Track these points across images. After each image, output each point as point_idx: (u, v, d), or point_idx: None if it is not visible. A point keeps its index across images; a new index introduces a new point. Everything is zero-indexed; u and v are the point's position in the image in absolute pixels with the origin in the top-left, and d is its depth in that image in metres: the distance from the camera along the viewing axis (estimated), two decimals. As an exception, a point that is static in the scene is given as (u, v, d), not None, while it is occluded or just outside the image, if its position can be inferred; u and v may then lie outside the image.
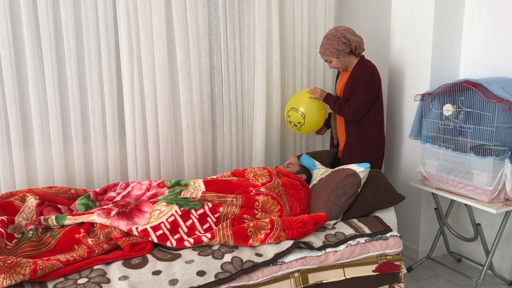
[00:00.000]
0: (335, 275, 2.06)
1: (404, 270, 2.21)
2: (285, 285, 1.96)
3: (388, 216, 2.45)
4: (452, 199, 2.89)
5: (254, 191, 2.44)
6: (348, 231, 2.23)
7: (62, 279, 1.76)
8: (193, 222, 2.16)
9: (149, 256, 1.95)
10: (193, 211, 2.19)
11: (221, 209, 2.24)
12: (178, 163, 3.01)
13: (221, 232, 2.07)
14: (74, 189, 2.49)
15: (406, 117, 3.12)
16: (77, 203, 2.34)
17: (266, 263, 1.94)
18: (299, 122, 2.90)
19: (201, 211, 2.21)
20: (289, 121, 2.97)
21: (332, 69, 3.28)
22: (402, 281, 2.23)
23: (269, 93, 3.18)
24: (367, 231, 2.23)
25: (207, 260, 1.91)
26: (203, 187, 2.46)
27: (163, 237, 2.06)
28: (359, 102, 2.71)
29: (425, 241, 3.19)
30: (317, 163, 2.82)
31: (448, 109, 2.63)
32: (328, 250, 2.08)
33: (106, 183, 2.78)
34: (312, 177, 2.74)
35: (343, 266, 2.08)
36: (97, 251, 1.95)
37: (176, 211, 2.17)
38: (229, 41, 2.99)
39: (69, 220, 2.13)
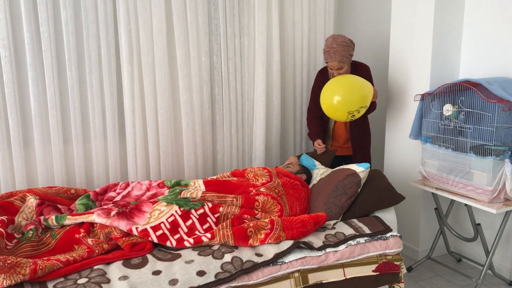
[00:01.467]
0: (335, 275, 2.07)
1: (404, 270, 2.21)
2: (285, 285, 1.96)
3: (388, 216, 2.45)
4: (452, 199, 2.89)
5: (254, 191, 2.44)
6: (348, 231, 2.23)
7: (62, 279, 1.76)
8: (193, 222, 2.16)
9: (149, 256, 1.95)
10: (193, 211, 2.20)
11: (221, 209, 2.24)
12: (178, 163, 3.01)
13: (221, 232, 2.07)
14: (74, 189, 2.49)
15: (406, 117, 3.12)
16: (77, 203, 2.34)
17: (266, 263, 1.94)
18: (353, 116, 2.75)
19: (201, 211, 2.21)
20: (353, 115, 2.70)
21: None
22: (402, 281, 2.23)
23: (269, 93, 3.18)
24: (367, 231, 2.23)
25: (207, 260, 1.91)
26: (203, 187, 2.46)
27: (163, 237, 2.06)
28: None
29: (425, 241, 3.19)
30: (317, 163, 2.82)
31: (448, 109, 2.62)
32: (328, 250, 2.08)
33: (106, 183, 2.78)
34: (312, 177, 2.74)
35: (343, 266, 2.08)
36: (97, 251, 1.95)
37: (176, 211, 2.17)
38: (229, 41, 2.99)
39: (69, 220, 2.13)
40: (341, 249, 2.09)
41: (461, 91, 2.60)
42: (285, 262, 1.98)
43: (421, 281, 2.90)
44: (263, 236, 2.07)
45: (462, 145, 2.57)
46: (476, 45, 2.88)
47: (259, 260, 1.95)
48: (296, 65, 3.25)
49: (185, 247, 2.04)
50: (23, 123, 2.57)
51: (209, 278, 1.82)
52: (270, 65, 3.13)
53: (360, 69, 2.94)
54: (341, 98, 2.65)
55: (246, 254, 1.97)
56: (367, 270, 2.13)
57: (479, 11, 2.84)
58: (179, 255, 1.95)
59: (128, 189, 2.50)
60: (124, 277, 1.77)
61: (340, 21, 3.46)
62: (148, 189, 2.49)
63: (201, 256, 1.94)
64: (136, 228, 2.07)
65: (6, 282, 1.64)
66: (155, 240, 2.05)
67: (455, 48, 2.96)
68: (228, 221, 2.15)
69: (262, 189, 2.44)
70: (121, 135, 2.85)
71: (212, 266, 1.87)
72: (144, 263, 1.89)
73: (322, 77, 3.03)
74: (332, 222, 2.31)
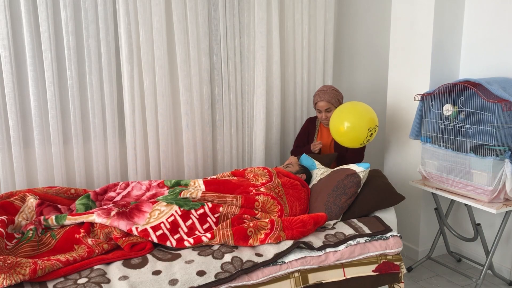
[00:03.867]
0: (335, 275, 2.06)
1: (404, 270, 2.21)
2: (285, 285, 1.96)
3: (388, 216, 2.45)
4: (452, 199, 2.89)
5: (254, 191, 2.44)
6: (348, 231, 2.23)
7: (62, 279, 1.76)
8: (193, 222, 2.16)
9: (149, 256, 1.95)
10: (193, 211, 2.20)
11: (221, 209, 2.24)
12: (178, 163, 3.00)
13: (221, 232, 2.07)
14: (74, 189, 2.48)
15: (406, 117, 3.12)
16: (77, 203, 2.34)
17: (266, 263, 1.94)
18: (371, 136, 2.79)
19: (201, 211, 2.21)
20: (371, 134, 2.75)
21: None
22: (402, 281, 2.23)
23: (269, 93, 3.18)
24: (367, 231, 2.23)
25: (207, 260, 1.91)
26: (203, 187, 2.46)
27: (163, 237, 2.06)
28: None
29: (425, 241, 3.19)
30: (317, 163, 2.82)
31: (448, 109, 2.62)
32: (328, 250, 2.08)
33: (106, 183, 2.78)
34: (312, 177, 2.74)
35: (343, 266, 2.08)
36: (97, 251, 1.95)
37: (176, 211, 2.17)
38: (229, 41, 2.99)
39: (69, 220, 2.13)
40: (341, 249, 2.09)
41: (461, 91, 2.61)
42: (285, 262, 1.98)
43: (421, 281, 2.90)
44: (263, 236, 2.07)
45: (462, 145, 2.57)
46: (476, 45, 2.88)
47: (259, 260, 1.95)
48: (296, 65, 3.25)
49: (185, 247, 2.04)
50: (23, 123, 2.57)
51: (209, 278, 1.82)
52: (270, 65, 3.13)
53: None
54: (362, 117, 2.72)
55: (246, 254, 1.97)
56: (367, 270, 2.13)
57: (479, 11, 2.84)
58: (179, 255, 1.95)
59: (128, 189, 2.50)
60: (124, 277, 1.77)
61: (340, 21, 3.46)
62: (148, 189, 2.49)
63: (201, 256, 1.94)
64: (136, 228, 2.07)
65: (6, 282, 1.64)
66: (155, 240, 2.05)
67: (455, 48, 2.96)
68: (228, 221, 2.15)
69: (262, 189, 2.44)
70: (121, 135, 2.85)
71: (212, 266, 1.87)
72: (144, 263, 1.89)
73: (309, 125, 3.12)
74: (332, 222, 2.31)
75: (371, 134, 2.74)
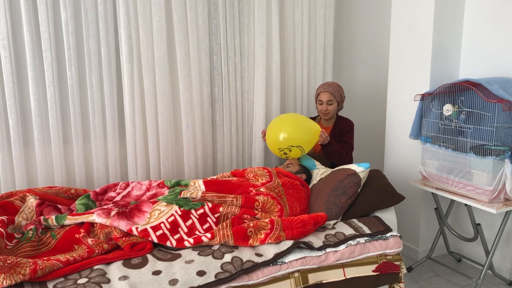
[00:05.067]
0: (335, 275, 2.07)
1: (404, 270, 2.21)
2: (285, 285, 1.96)
3: (388, 216, 2.45)
4: (452, 199, 2.89)
5: (254, 191, 2.44)
6: (348, 231, 2.23)
7: (62, 279, 1.76)
8: (193, 222, 2.16)
9: (149, 256, 1.95)
10: (193, 211, 2.20)
11: (221, 209, 2.24)
12: (178, 163, 3.01)
13: (221, 232, 2.07)
14: (74, 189, 2.48)
15: (406, 117, 3.12)
16: (77, 203, 2.34)
17: (266, 263, 1.94)
18: (286, 154, 2.72)
19: (201, 211, 2.21)
20: (285, 153, 2.69)
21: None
22: (402, 281, 2.23)
23: (269, 93, 3.18)
24: (367, 231, 2.23)
25: (207, 260, 1.91)
26: (203, 187, 2.46)
27: (163, 237, 2.06)
28: (352, 149, 2.97)
29: (425, 241, 3.19)
30: (317, 163, 2.82)
31: (448, 109, 2.62)
32: (328, 250, 2.08)
33: (106, 183, 2.78)
34: (312, 177, 2.74)
35: (343, 266, 2.08)
36: (97, 251, 1.95)
37: (176, 211, 2.17)
38: (229, 41, 2.99)
39: (69, 220, 2.13)
40: (341, 249, 2.09)
41: (461, 91, 2.61)
42: (285, 262, 1.98)
43: (421, 281, 2.90)
44: (263, 236, 2.07)
45: (462, 145, 2.57)
46: (476, 45, 2.88)
47: (259, 260, 1.95)
48: (296, 65, 3.25)
49: (185, 247, 2.04)
50: (23, 123, 2.57)
51: (209, 278, 1.82)
52: (270, 65, 3.13)
53: (343, 122, 2.99)
54: (273, 134, 2.70)
55: (246, 254, 1.97)
56: (367, 270, 2.13)
57: (479, 11, 2.84)
58: (179, 255, 1.95)
59: (128, 189, 2.50)
60: (124, 277, 1.77)
61: (340, 21, 3.46)
62: (148, 189, 2.49)
63: (201, 256, 1.94)
64: (136, 228, 2.07)
65: (6, 282, 1.64)
66: (155, 240, 2.05)
67: (455, 48, 2.96)
68: (228, 221, 2.15)
69: (262, 189, 2.44)
70: (121, 135, 2.85)
71: (212, 266, 1.87)
72: (144, 263, 1.89)
73: None
74: (332, 222, 2.31)
75: (286, 153, 2.68)
